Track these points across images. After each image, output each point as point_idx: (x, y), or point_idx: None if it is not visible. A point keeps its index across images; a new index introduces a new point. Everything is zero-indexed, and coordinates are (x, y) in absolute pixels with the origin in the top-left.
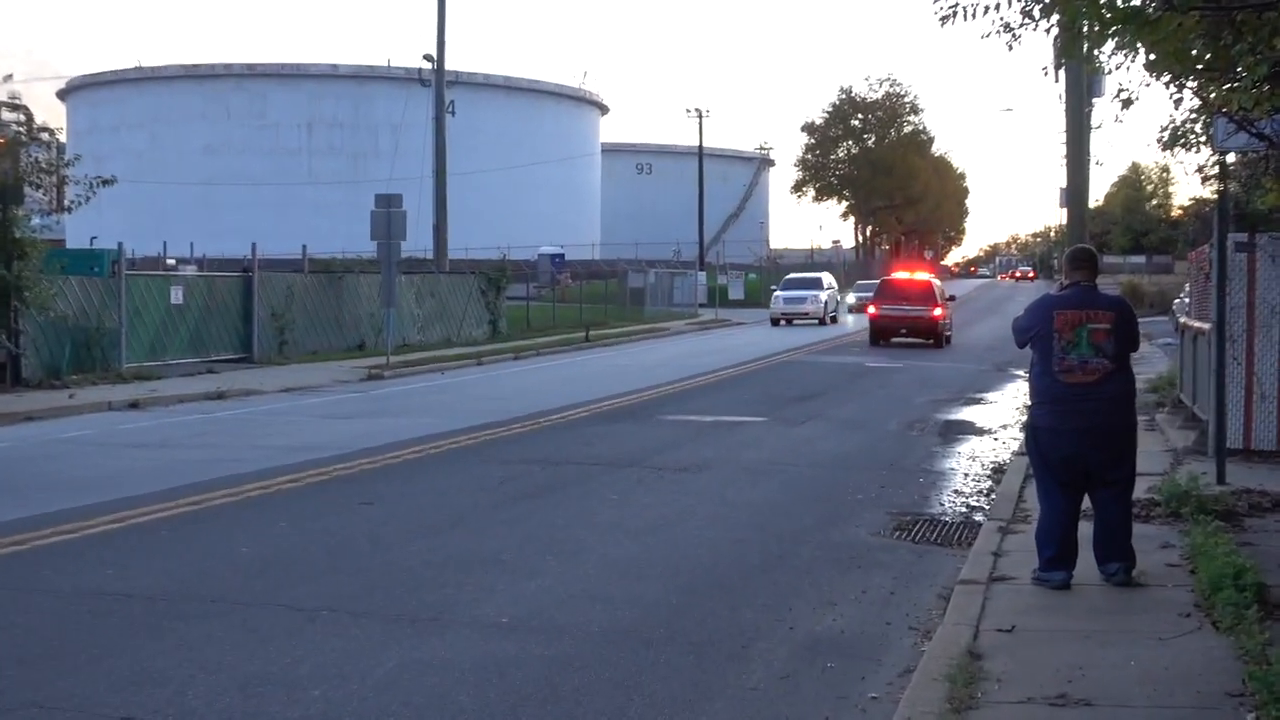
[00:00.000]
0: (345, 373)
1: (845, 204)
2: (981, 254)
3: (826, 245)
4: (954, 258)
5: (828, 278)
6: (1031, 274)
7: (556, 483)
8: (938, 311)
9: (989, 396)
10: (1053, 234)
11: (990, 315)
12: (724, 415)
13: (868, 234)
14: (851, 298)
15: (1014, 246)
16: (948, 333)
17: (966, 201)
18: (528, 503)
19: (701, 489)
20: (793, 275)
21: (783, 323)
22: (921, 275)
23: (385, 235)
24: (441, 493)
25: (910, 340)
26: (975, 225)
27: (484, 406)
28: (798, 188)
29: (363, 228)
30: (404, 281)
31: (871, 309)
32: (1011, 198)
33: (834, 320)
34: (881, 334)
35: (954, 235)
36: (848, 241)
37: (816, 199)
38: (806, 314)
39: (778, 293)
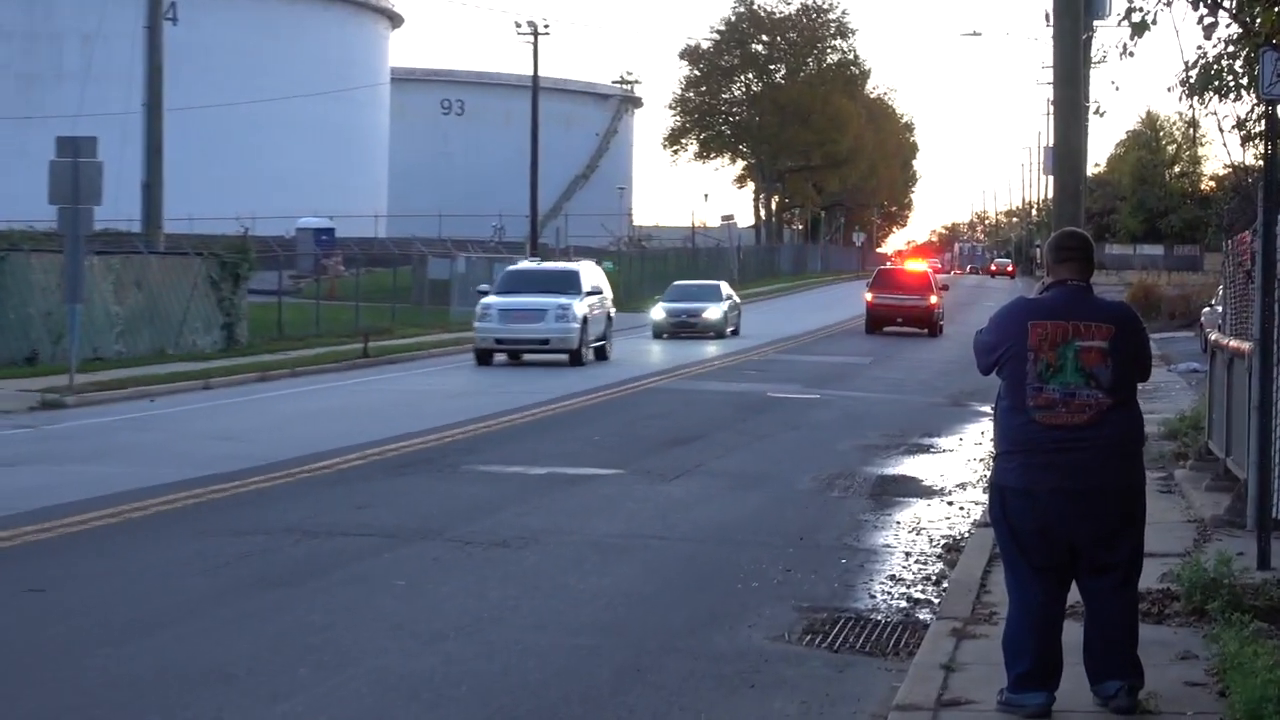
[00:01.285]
0: (8, 399)
1: (742, 163)
2: (935, 239)
3: (715, 222)
4: (897, 243)
5: (591, 274)
6: (1010, 268)
7: (316, 563)
8: (933, 300)
9: (940, 442)
10: (1034, 212)
11: (948, 325)
12: (562, 466)
13: (774, 208)
14: (658, 312)
15: (980, 229)
16: (941, 322)
17: (914, 163)
18: (273, 592)
19: (528, 573)
20: (522, 266)
21: (500, 356)
22: (917, 266)
23: (70, 197)
24: (145, 576)
25: (843, 357)
26: (926, 197)
27: (213, 450)
28: (675, 140)
29: (37, 185)
30: (98, 266)
31: (869, 296)
32: (978, 160)
33: (602, 353)
34: (877, 322)
35: (896, 211)
36: (746, 218)
37: (701, 156)
38: (545, 341)
39: (489, 299)
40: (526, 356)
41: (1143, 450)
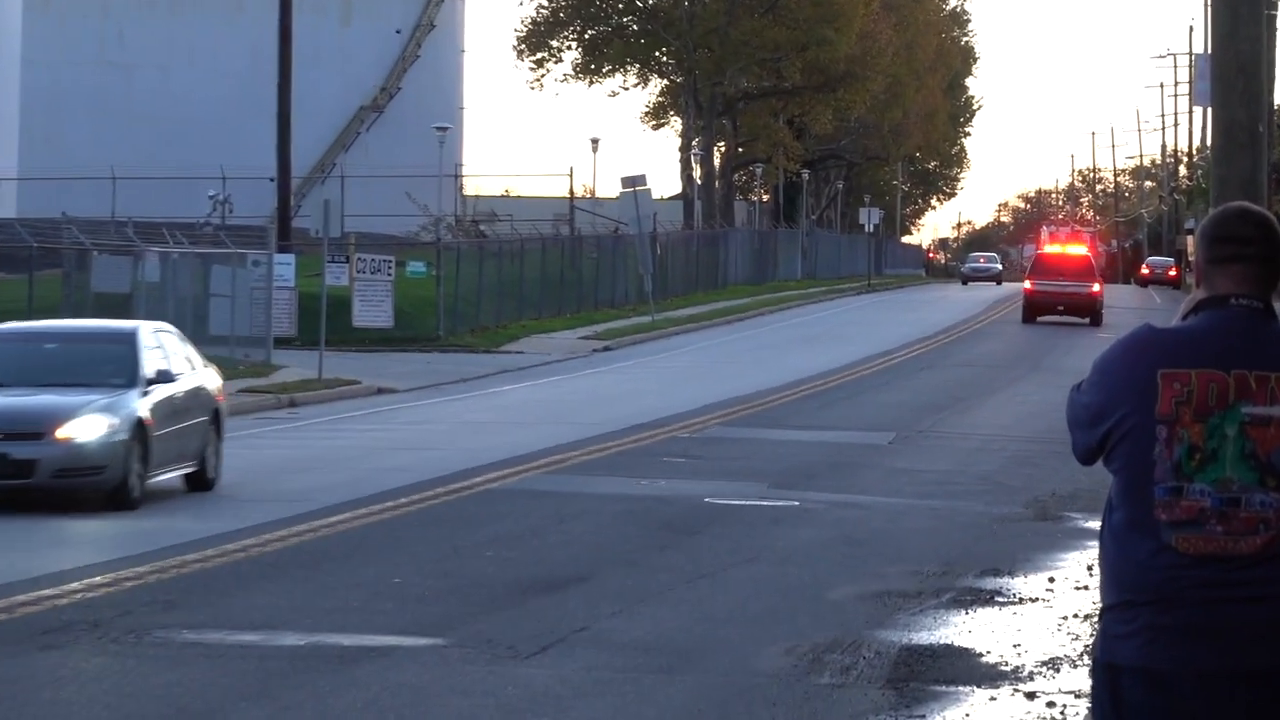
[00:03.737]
0: None
1: (661, 84)
2: (1007, 217)
3: (611, 189)
4: (942, 226)
5: None
6: (1173, 270)
7: None
8: (1095, 287)
9: (1013, 585)
10: (1182, 170)
11: (1026, 376)
12: (334, 631)
13: (717, 164)
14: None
15: (1087, 202)
16: (1103, 310)
17: (969, 84)
18: None
19: None
20: None
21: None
22: (1077, 249)
23: None
24: None
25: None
26: (990, 146)
27: None
28: (537, 42)
29: None
30: None
31: (1027, 284)
32: (1082, 80)
33: None
34: (1035, 310)
35: (937, 170)
36: (667, 182)
37: (586, 71)
38: None
39: None
40: None
41: None
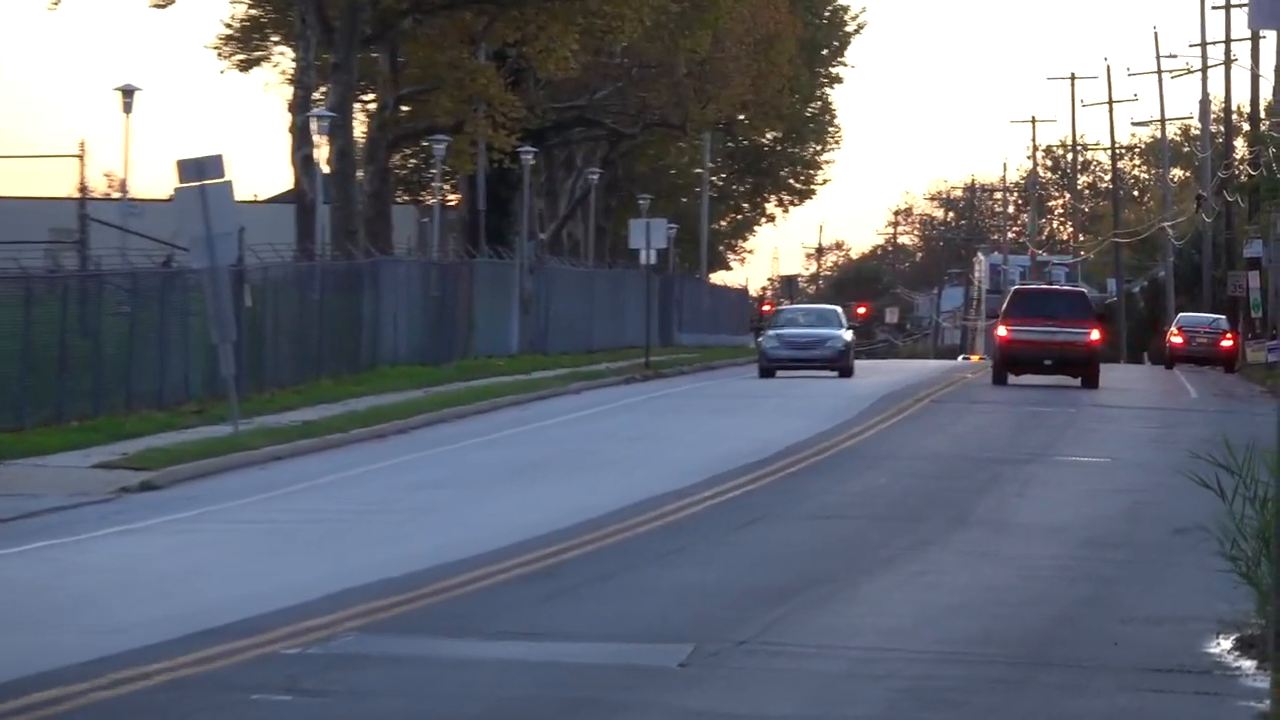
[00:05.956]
0: None
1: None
2: (910, 233)
3: (156, 184)
4: (785, 252)
5: None
6: (1225, 339)
7: None
8: (1095, 335)
9: None
10: (1240, 148)
11: (942, 536)
12: None
13: (360, 136)
14: None
15: (1062, 198)
16: (1099, 366)
17: None
18: None
19: None
20: None
21: None
22: (1069, 285)
23: None
24: None
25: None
26: (877, 108)
27: None
28: None
29: None
30: None
31: (1001, 330)
32: None
33: None
34: (1013, 366)
35: (785, 148)
36: (266, 174)
37: None
38: None
39: None
40: None
41: None
